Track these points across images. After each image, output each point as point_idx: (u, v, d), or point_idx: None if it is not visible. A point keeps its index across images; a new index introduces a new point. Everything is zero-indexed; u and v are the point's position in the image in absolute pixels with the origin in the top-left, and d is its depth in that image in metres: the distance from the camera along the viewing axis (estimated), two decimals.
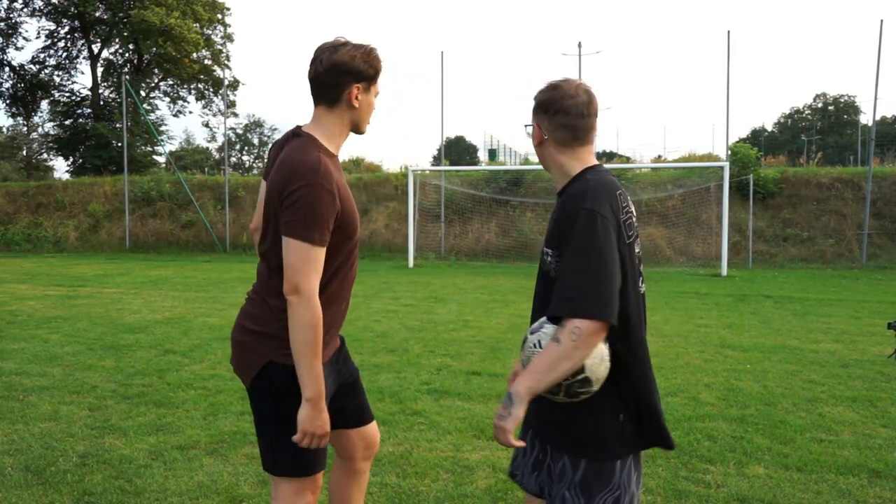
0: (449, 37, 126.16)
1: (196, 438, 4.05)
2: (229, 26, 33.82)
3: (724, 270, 14.71)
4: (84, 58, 32.50)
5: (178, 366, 5.89)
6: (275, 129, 56.58)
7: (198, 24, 30.97)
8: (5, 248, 21.49)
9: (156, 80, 33.71)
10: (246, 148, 56.01)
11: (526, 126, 1.99)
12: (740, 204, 18.21)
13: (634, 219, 1.87)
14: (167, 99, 34.41)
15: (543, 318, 1.82)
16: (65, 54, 32.56)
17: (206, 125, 48.36)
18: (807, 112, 57.73)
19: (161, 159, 33.48)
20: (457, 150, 49.35)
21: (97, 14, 30.27)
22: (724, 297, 10.89)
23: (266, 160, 2.21)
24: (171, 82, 33.74)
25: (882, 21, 17.18)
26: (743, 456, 3.82)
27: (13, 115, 34.27)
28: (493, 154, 31.88)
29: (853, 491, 3.38)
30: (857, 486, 3.43)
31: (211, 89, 33.81)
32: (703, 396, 5.01)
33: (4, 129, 44.21)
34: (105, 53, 32.24)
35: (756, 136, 48.17)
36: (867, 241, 17.04)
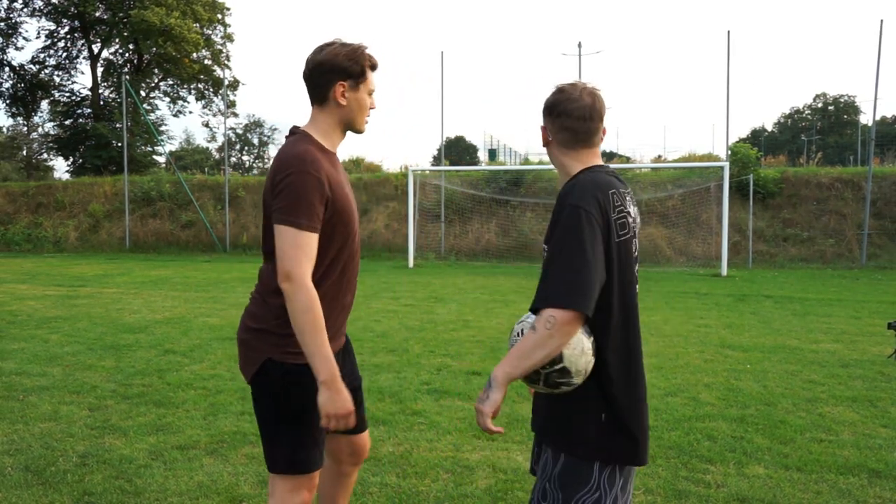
0: (449, 37, 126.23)
1: (196, 438, 4.05)
2: (229, 26, 33.85)
3: (724, 270, 14.71)
4: (84, 58, 32.54)
5: (178, 366, 5.89)
6: (275, 129, 56.58)
7: (198, 24, 30.97)
8: (5, 248, 21.49)
9: (156, 80, 33.71)
10: (246, 148, 56.01)
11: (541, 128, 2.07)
12: (740, 204, 18.21)
13: (631, 219, 1.88)
14: (167, 99, 34.45)
15: (531, 311, 1.85)
16: (65, 54, 32.58)
17: (206, 125, 48.41)
18: (807, 112, 57.73)
19: (161, 159, 33.52)
20: (457, 150, 49.35)
21: (97, 14, 30.27)
22: (724, 297, 10.89)
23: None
24: (171, 82, 33.75)
25: (882, 21, 17.20)
26: (743, 456, 3.82)
27: (13, 115, 34.29)
28: (493, 154, 31.88)
29: (853, 491, 3.38)
30: (857, 486, 3.43)
31: (211, 89, 33.81)
32: (703, 396, 5.01)
33: (4, 129, 44.25)
34: (105, 53, 32.29)
35: (756, 136, 48.17)
36: (867, 241, 17.04)
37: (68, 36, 32.17)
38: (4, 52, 31.84)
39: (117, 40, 31.13)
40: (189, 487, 3.37)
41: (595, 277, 1.71)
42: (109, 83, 32.25)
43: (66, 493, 3.30)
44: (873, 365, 6.05)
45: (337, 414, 1.92)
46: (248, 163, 55.36)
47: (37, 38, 59.67)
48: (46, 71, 32.51)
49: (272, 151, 55.93)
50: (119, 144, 28.21)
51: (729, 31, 17.52)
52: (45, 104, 34.28)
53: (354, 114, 2.08)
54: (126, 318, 8.37)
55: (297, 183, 1.90)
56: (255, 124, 54.58)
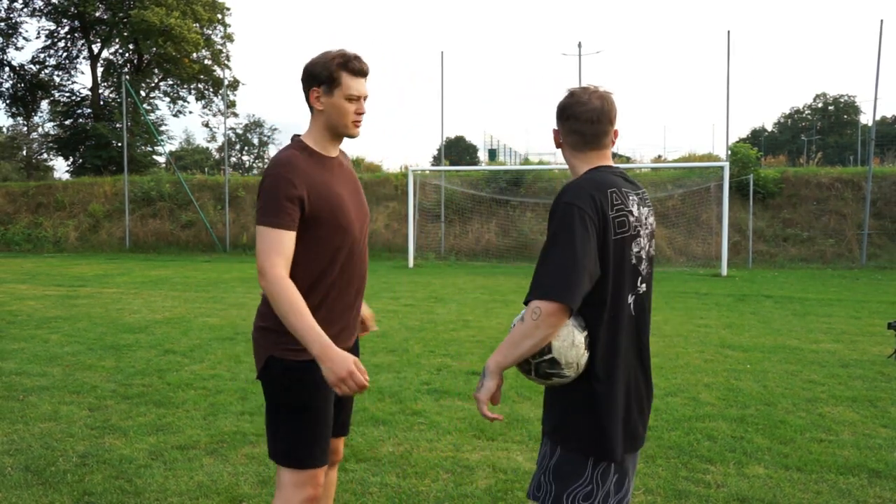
0: (449, 37, 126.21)
1: (196, 438, 4.05)
2: (229, 26, 33.84)
3: (724, 270, 14.71)
4: (84, 58, 32.53)
5: (178, 366, 5.89)
6: (275, 129, 56.53)
7: (198, 24, 30.96)
8: (5, 248, 21.49)
9: (156, 80, 33.71)
10: (246, 148, 55.98)
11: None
12: (740, 204, 18.21)
13: (633, 217, 1.89)
14: (167, 99, 34.44)
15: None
16: (65, 54, 32.58)
17: (206, 125, 48.38)
18: (807, 112, 57.72)
19: (161, 159, 33.52)
20: (457, 150, 49.34)
21: (97, 14, 30.27)
22: (724, 297, 10.89)
23: None
24: (171, 82, 33.74)
25: (882, 21, 17.20)
26: (743, 456, 3.82)
27: (13, 115, 34.29)
28: (493, 154, 31.88)
29: (853, 491, 3.38)
30: (857, 486, 3.43)
31: (211, 89, 33.80)
32: (703, 396, 5.01)
33: (4, 129, 44.24)
34: (105, 53, 32.29)
35: (756, 136, 48.16)
36: (867, 241, 17.04)
37: (68, 36, 32.18)
38: (4, 52, 31.87)
39: (117, 40, 31.13)
40: (189, 487, 3.37)
41: (583, 273, 1.75)
42: (109, 83, 32.25)
43: (66, 493, 3.30)
44: (873, 365, 6.05)
45: (340, 378, 1.92)
46: (248, 163, 55.36)
47: (37, 38, 59.79)
48: (46, 71, 32.52)
49: (272, 151, 55.95)
50: (119, 144, 28.21)
51: (729, 31, 17.54)
52: (45, 104, 34.31)
53: (334, 119, 2.14)
54: (126, 318, 8.37)
55: (269, 185, 2.04)
56: (255, 124, 54.56)
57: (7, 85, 32.31)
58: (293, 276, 2.04)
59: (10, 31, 31.34)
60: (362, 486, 3.41)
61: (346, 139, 2.25)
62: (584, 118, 1.92)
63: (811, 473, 3.59)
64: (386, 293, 10.91)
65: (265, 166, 2.26)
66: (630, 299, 1.89)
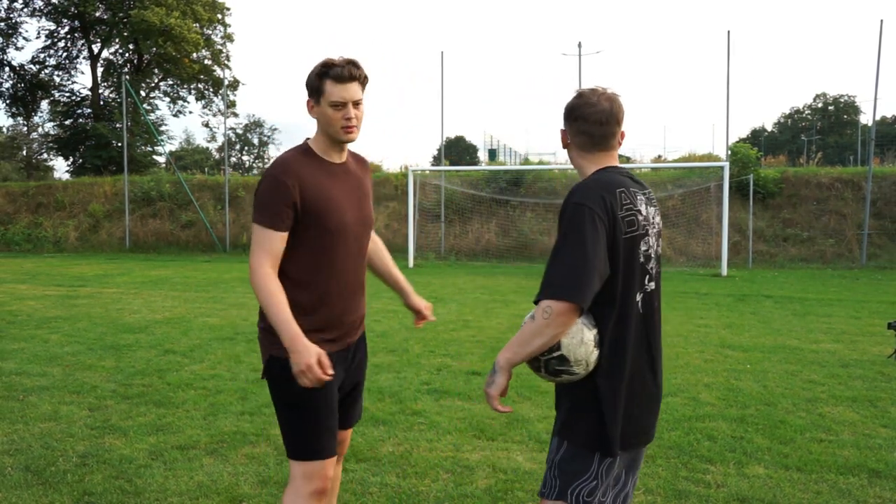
0: (449, 37, 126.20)
1: (196, 438, 4.05)
2: (229, 26, 33.82)
3: (724, 270, 14.71)
4: (84, 58, 32.52)
5: (178, 366, 5.89)
6: (275, 129, 56.49)
7: (198, 24, 30.95)
8: (5, 248, 21.49)
9: (156, 80, 33.70)
10: (246, 148, 55.95)
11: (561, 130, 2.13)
12: (740, 204, 18.21)
13: (641, 217, 1.93)
14: (167, 99, 34.41)
15: None
16: (65, 54, 32.56)
17: (206, 125, 48.18)
18: (807, 112, 57.72)
19: (161, 159, 33.51)
20: (457, 150, 49.33)
21: (97, 14, 30.26)
22: (724, 297, 10.89)
23: None
24: (171, 82, 33.72)
25: (882, 21, 17.20)
26: (743, 456, 3.82)
27: (13, 115, 34.28)
28: (493, 154, 31.87)
29: (853, 491, 3.38)
30: (857, 486, 3.43)
31: (211, 89, 33.78)
32: (703, 396, 5.01)
33: (4, 129, 44.23)
34: (105, 53, 32.27)
35: (756, 136, 48.15)
36: (867, 241, 17.04)
37: (68, 36, 32.16)
38: (4, 52, 31.86)
39: (117, 40, 31.12)
40: (189, 487, 3.37)
41: (593, 272, 1.78)
42: (109, 83, 32.24)
43: (66, 493, 3.30)
44: (873, 365, 6.05)
45: (304, 371, 2.06)
46: (248, 163, 55.34)
47: (37, 38, 59.66)
48: (46, 71, 32.51)
49: (272, 151, 55.94)
50: (119, 144, 28.20)
51: (729, 31, 17.53)
52: (45, 104, 34.29)
53: (324, 126, 2.22)
54: (126, 318, 8.37)
55: (264, 186, 2.15)
56: (255, 124, 54.54)
57: (7, 85, 32.32)
58: (287, 273, 2.17)
59: (10, 31, 31.33)
60: (362, 486, 3.41)
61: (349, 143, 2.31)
62: (592, 119, 1.94)
63: (811, 473, 3.59)
64: (386, 293, 10.88)
65: (266, 166, 2.40)
66: (638, 297, 1.92)
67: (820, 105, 56.16)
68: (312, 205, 2.15)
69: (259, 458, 3.75)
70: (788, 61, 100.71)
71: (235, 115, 40.25)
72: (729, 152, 18.18)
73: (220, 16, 32.24)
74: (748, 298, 10.68)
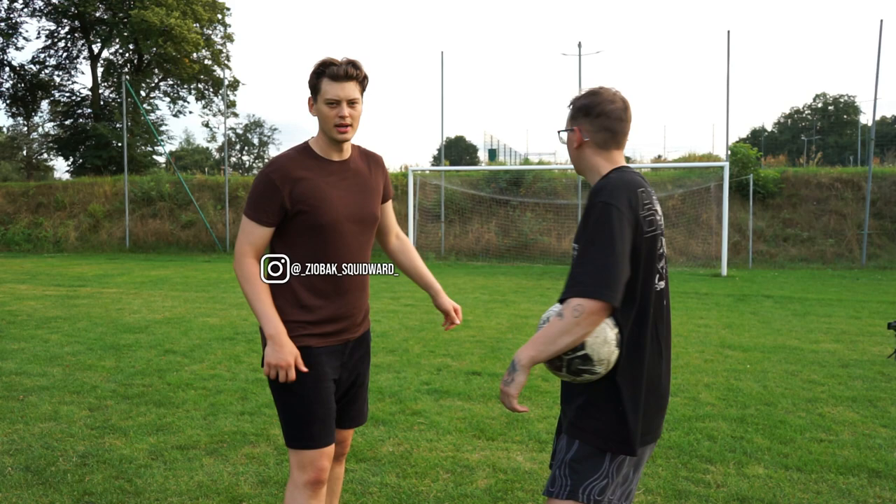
0: (449, 37, 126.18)
1: (196, 438, 4.05)
2: (229, 26, 33.85)
3: (724, 270, 14.71)
4: (84, 58, 32.51)
5: (178, 366, 5.89)
6: (275, 129, 56.55)
7: (198, 24, 30.95)
8: (5, 248, 21.49)
9: (156, 80, 33.69)
10: (246, 148, 55.96)
11: (560, 132, 2.09)
12: (740, 204, 18.21)
13: (658, 217, 1.95)
14: (167, 99, 34.41)
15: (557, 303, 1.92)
16: (65, 54, 32.55)
17: (206, 125, 48.21)
18: (807, 112, 57.71)
19: (161, 159, 33.51)
20: (457, 150, 49.34)
21: (97, 14, 30.25)
22: (724, 297, 10.89)
23: None
24: (171, 82, 33.72)
25: (882, 21, 17.20)
26: (743, 456, 3.82)
27: (13, 115, 34.26)
28: (493, 154, 31.83)
29: (853, 491, 3.38)
30: (857, 486, 3.43)
31: (211, 89, 33.78)
32: (703, 396, 5.01)
33: (4, 129, 44.21)
34: (105, 53, 32.25)
35: (756, 136, 48.15)
36: (867, 241, 17.04)
37: (68, 36, 32.15)
38: (5, 52, 31.83)
39: (117, 40, 31.09)
40: (189, 487, 3.37)
41: (622, 272, 1.79)
42: (109, 83, 32.23)
43: (67, 493, 3.30)
44: (873, 365, 6.05)
45: (277, 365, 2.18)
46: (248, 163, 55.35)
47: (37, 38, 59.51)
48: (46, 71, 32.48)
49: (272, 151, 56.02)
50: (119, 144, 28.21)
51: (729, 31, 17.53)
52: (45, 104, 34.27)
53: (321, 125, 2.27)
54: (126, 318, 8.37)
55: (256, 182, 2.26)
56: (255, 124, 54.56)
57: (7, 85, 32.30)
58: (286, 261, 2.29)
59: (11, 31, 31.30)
60: (362, 485, 3.41)
61: (350, 142, 2.34)
62: (615, 115, 1.97)
63: (811, 473, 3.59)
64: (386, 293, 10.91)
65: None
66: (662, 296, 1.95)
67: (820, 105, 56.16)
68: (303, 201, 2.21)
69: (259, 458, 3.75)
70: (788, 61, 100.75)
71: (235, 115, 40.31)
72: (729, 152, 18.17)
73: (220, 16, 32.24)
74: (748, 298, 10.68)
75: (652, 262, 1.91)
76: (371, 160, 2.44)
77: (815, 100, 56.72)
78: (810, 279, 13.87)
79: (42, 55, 32.09)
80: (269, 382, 2.32)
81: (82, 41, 31.99)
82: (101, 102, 31.70)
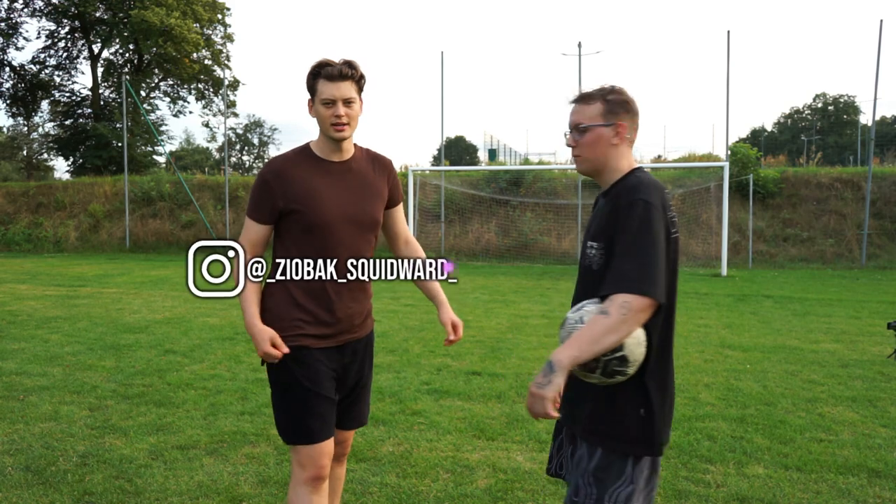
0: (449, 37, 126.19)
1: (196, 438, 4.05)
2: (229, 26, 33.83)
3: (724, 270, 14.71)
4: (84, 58, 32.51)
5: (179, 366, 5.89)
6: (275, 129, 56.58)
7: (198, 24, 30.95)
8: (5, 248, 21.49)
9: (156, 80, 33.69)
10: (246, 148, 55.98)
11: (598, 126, 1.94)
12: (740, 204, 18.21)
13: (676, 218, 1.95)
14: (167, 99, 34.40)
15: (585, 301, 1.86)
16: (65, 54, 32.54)
17: (206, 125, 48.21)
18: (807, 112, 57.73)
19: (161, 159, 33.52)
20: (457, 150, 49.35)
21: (97, 14, 30.25)
22: (724, 297, 10.89)
23: None
24: (171, 82, 33.71)
25: (882, 21, 17.20)
26: (743, 456, 3.82)
27: (13, 115, 34.24)
28: (493, 154, 31.83)
29: (853, 491, 3.38)
30: (857, 486, 3.43)
31: (211, 89, 33.78)
32: (703, 396, 5.01)
33: (5, 129, 44.23)
34: (105, 53, 32.25)
35: (756, 136, 48.16)
36: (867, 241, 17.04)
37: (68, 36, 32.15)
38: (5, 53, 31.83)
39: (117, 40, 31.08)
40: (189, 487, 3.37)
41: (664, 270, 1.77)
42: (110, 83, 32.23)
43: (67, 492, 3.30)
44: (873, 365, 6.05)
45: (261, 354, 2.25)
46: (248, 163, 55.37)
47: (37, 38, 59.53)
48: (47, 71, 32.48)
49: (272, 151, 56.04)
50: (119, 144, 28.20)
51: (729, 31, 17.53)
52: (45, 104, 34.27)
53: (320, 125, 2.29)
54: (126, 318, 8.37)
55: (254, 182, 2.32)
56: (256, 124, 54.58)
57: (7, 85, 32.29)
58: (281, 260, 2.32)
59: (11, 32, 31.30)
60: (362, 485, 3.41)
61: (352, 140, 2.35)
62: (639, 116, 1.98)
63: (811, 473, 3.59)
64: (386, 293, 10.91)
65: None
66: (675, 296, 1.94)
67: (820, 105, 56.19)
68: (296, 201, 2.24)
69: (259, 458, 3.75)
70: (788, 61, 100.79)
71: (235, 115, 40.31)
72: (729, 152, 18.17)
73: (220, 16, 32.24)
74: (748, 298, 10.68)
75: (676, 262, 1.90)
76: (377, 163, 2.43)
77: (815, 100, 56.79)
78: (810, 279, 13.87)
79: (42, 55, 32.11)
80: (269, 379, 2.34)
81: (82, 41, 31.99)
82: (102, 102, 31.70)
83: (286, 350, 2.23)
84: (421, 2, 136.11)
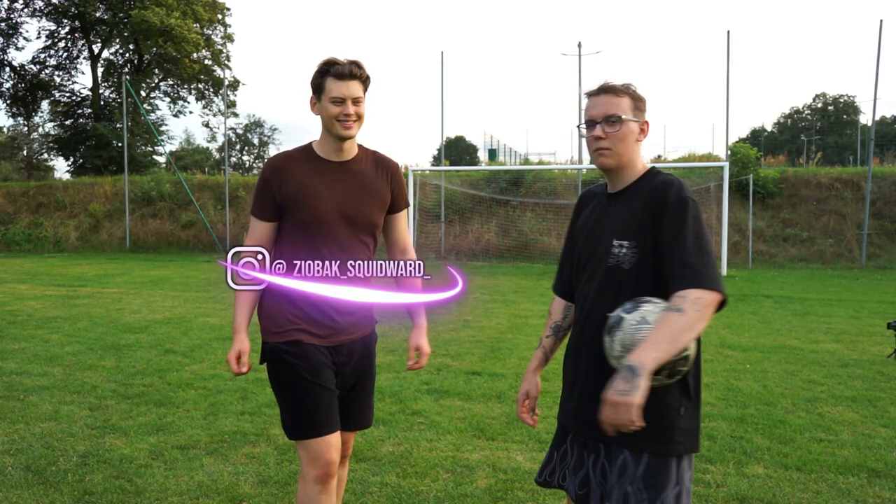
0: (449, 37, 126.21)
1: (196, 438, 4.05)
2: (229, 26, 33.85)
3: (724, 270, 14.71)
4: (84, 58, 32.53)
5: (179, 366, 5.89)
6: (275, 129, 56.59)
7: (198, 25, 30.95)
8: (5, 248, 21.49)
9: (156, 80, 33.70)
10: (246, 148, 55.97)
11: (623, 118, 1.89)
12: (740, 204, 18.21)
13: None
14: (167, 99, 34.43)
15: (635, 300, 1.79)
16: (65, 54, 32.58)
17: (207, 125, 48.11)
18: (806, 112, 57.73)
19: (161, 159, 33.52)
20: (457, 150, 49.33)
21: (97, 14, 30.27)
22: None
23: None
24: (171, 82, 33.73)
25: (882, 21, 17.21)
26: (743, 456, 3.83)
27: (14, 115, 34.27)
28: (493, 154, 31.82)
29: (853, 491, 3.38)
30: (857, 486, 3.43)
31: (211, 89, 33.78)
32: (702, 396, 5.00)
33: (5, 130, 44.23)
34: (105, 53, 32.28)
35: (756, 136, 48.17)
36: (867, 241, 17.03)
37: (69, 36, 32.17)
38: (5, 53, 31.87)
39: (117, 40, 31.13)
40: (189, 487, 3.37)
41: None
42: (110, 83, 32.25)
43: (67, 492, 3.30)
44: (873, 365, 6.05)
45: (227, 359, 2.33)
46: (248, 163, 55.37)
47: (37, 38, 59.62)
48: (47, 71, 32.52)
49: (272, 151, 56.05)
50: (119, 144, 28.20)
51: (729, 31, 17.53)
52: (45, 104, 34.30)
53: (325, 122, 2.29)
54: (126, 318, 8.37)
55: (257, 181, 2.36)
56: (256, 124, 54.57)
57: (7, 85, 32.32)
58: (282, 262, 2.32)
59: (11, 32, 31.34)
60: (362, 485, 3.41)
61: (355, 141, 2.35)
62: None
63: (811, 473, 3.60)
64: None
65: None
66: None
67: (820, 105, 56.19)
68: (291, 198, 2.27)
69: (259, 458, 3.75)
70: (788, 61, 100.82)
71: (235, 115, 40.30)
72: (729, 152, 18.17)
73: (220, 16, 32.25)
74: (748, 298, 10.68)
75: None
76: (381, 165, 2.41)
77: (814, 100, 56.79)
78: (810, 279, 13.88)
79: (42, 55, 32.15)
80: (269, 379, 2.34)
81: (82, 41, 32.01)
82: (102, 102, 31.71)
83: (244, 371, 2.33)
84: (421, 2, 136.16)
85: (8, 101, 32.42)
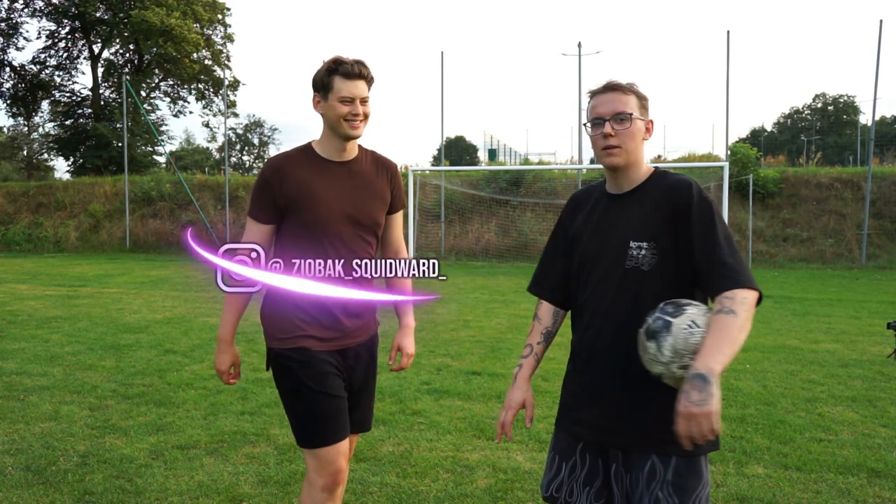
0: (449, 37, 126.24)
1: (196, 438, 4.05)
2: (229, 26, 33.83)
3: None
4: (84, 58, 32.53)
5: (179, 366, 5.89)
6: (275, 129, 56.56)
7: (198, 25, 30.95)
8: (5, 248, 21.50)
9: (156, 80, 33.70)
10: (246, 148, 55.97)
11: (633, 115, 1.87)
12: (740, 204, 18.21)
13: None
14: (167, 99, 34.42)
15: (674, 303, 1.74)
16: (65, 54, 32.57)
17: (207, 125, 48.06)
18: (806, 112, 57.72)
19: (161, 159, 33.51)
20: (457, 150, 49.32)
21: (97, 14, 30.27)
22: None
23: None
24: (171, 82, 33.72)
25: (882, 21, 17.21)
26: (743, 456, 3.83)
27: (14, 116, 34.29)
28: (493, 154, 31.82)
29: (853, 491, 3.38)
30: (857, 486, 3.43)
31: (211, 89, 33.77)
32: None
33: (5, 130, 44.21)
34: (105, 54, 32.28)
35: (756, 136, 48.16)
36: (867, 241, 17.04)
37: (69, 36, 32.17)
38: (5, 53, 31.87)
39: (118, 40, 31.13)
40: (189, 487, 3.38)
41: None
42: (110, 83, 32.25)
43: (67, 492, 3.30)
44: (873, 365, 6.05)
45: (216, 370, 2.33)
46: (248, 163, 55.37)
47: (37, 38, 59.55)
48: (47, 71, 32.51)
49: (272, 151, 56.07)
50: (119, 144, 28.21)
51: (729, 31, 17.54)
52: (45, 104, 34.31)
53: (331, 121, 2.24)
54: (126, 318, 8.37)
55: (255, 182, 2.30)
56: (256, 124, 54.57)
57: (8, 85, 32.33)
58: (284, 265, 2.24)
59: (11, 32, 31.34)
60: (362, 485, 3.42)
61: (356, 141, 2.32)
62: None
63: (811, 473, 3.60)
64: None
65: None
66: None
67: (819, 105, 56.18)
68: (292, 199, 2.22)
69: (259, 458, 3.76)
70: (788, 61, 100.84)
71: (235, 115, 40.27)
72: (729, 152, 18.18)
73: (220, 16, 32.24)
74: None
75: None
76: (381, 166, 2.40)
77: (814, 100, 56.77)
78: (810, 279, 13.88)
79: (42, 55, 32.14)
80: (280, 385, 2.28)
81: (83, 41, 32.01)
82: (102, 102, 31.72)
83: (234, 382, 2.36)
84: (421, 2, 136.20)
85: (8, 101, 32.43)
